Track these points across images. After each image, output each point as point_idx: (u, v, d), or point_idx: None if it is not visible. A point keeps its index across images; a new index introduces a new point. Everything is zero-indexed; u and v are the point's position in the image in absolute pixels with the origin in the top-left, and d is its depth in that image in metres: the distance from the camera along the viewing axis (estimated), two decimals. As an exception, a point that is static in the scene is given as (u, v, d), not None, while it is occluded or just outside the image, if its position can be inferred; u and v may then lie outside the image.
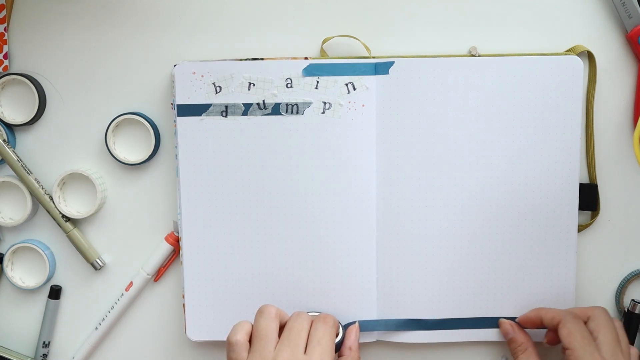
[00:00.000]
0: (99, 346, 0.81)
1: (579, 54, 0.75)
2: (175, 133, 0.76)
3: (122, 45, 0.78)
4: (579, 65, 0.74)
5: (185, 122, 0.75)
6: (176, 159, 0.76)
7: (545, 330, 0.75)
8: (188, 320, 0.77)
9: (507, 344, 0.76)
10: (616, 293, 0.78)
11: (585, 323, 0.71)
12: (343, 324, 0.75)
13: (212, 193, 0.76)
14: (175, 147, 0.76)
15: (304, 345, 0.67)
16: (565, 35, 0.76)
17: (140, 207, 0.79)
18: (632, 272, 0.78)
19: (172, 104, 0.77)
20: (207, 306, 0.77)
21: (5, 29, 0.78)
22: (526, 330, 0.76)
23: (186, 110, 0.75)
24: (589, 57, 0.76)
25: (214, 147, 0.75)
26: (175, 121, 0.75)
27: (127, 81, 0.78)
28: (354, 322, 0.76)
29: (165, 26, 0.77)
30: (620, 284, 0.78)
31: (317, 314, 0.74)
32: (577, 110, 0.74)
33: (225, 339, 0.69)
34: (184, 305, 0.77)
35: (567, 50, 0.76)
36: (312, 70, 0.74)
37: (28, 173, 0.78)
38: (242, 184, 0.76)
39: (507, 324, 0.76)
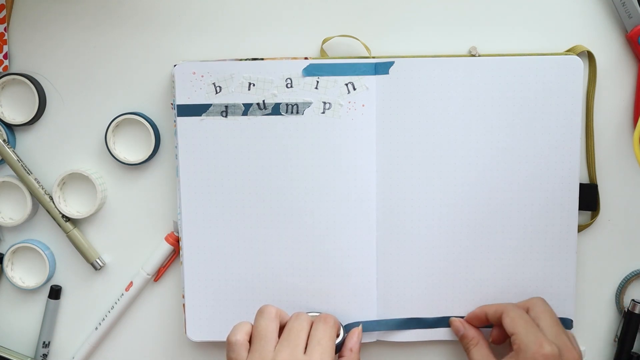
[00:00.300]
0: (99, 346, 0.81)
1: (579, 54, 0.75)
2: (175, 133, 0.76)
3: (122, 45, 0.78)
4: (579, 65, 0.74)
5: (186, 122, 0.75)
6: (176, 159, 0.76)
7: (489, 333, 0.76)
8: (188, 321, 0.77)
9: (460, 341, 0.76)
10: (616, 293, 0.78)
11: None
12: (344, 324, 0.75)
13: (212, 193, 0.76)
14: (175, 147, 0.76)
15: (304, 346, 0.67)
16: (565, 35, 0.76)
17: (140, 207, 0.79)
18: (632, 272, 0.78)
19: (172, 104, 0.77)
20: (207, 306, 0.77)
21: (5, 29, 0.78)
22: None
23: (186, 110, 0.75)
24: (589, 57, 0.76)
25: (214, 147, 0.75)
26: (175, 121, 0.75)
27: (127, 81, 0.78)
28: (357, 324, 0.76)
29: (165, 26, 0.77)
30: (620, 284, 0.78)
31: (317, 314, 0.74)
32: (577, 110, 0.74)
33: (225, 339, 0.69)
34: (184, 305, 0.77)
35: (567, 50, 0.76)
36: (312, 70, 0.74)
37: (28, 173, 0.78)
38: (242, 184, 0.76)
39: (457, 322, 0.76)
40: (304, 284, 0.76)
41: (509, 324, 0.71)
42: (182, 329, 0.80)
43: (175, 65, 0.75)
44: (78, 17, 0.78)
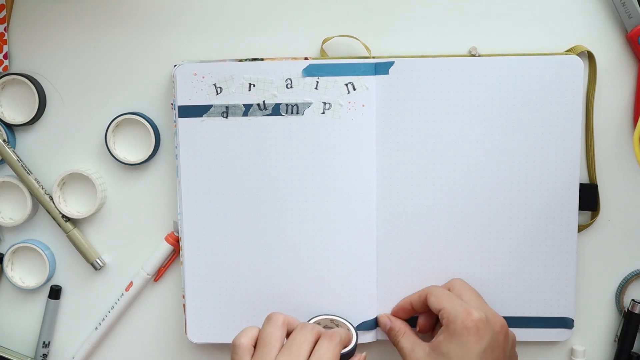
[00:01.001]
0: (99, 346, 0.81)
1: (579, 54, 0.75)
2: (176, 134, 0.75)
3: (122, 45, 0.78)
4: (579, 65, 0.74)
5: (186, 123, 0.75)
6: (177, 159, 0.76)
7: (416, 323, 0.77)
8: (189, 322, 0.77)
9: (387, 335, 0.76)
10: (616, 293, 0.78)
11: None
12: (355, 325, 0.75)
13: (212, 194, 0.76)
14: (176, 147, 0.76)
15: (305, 358, 0.66)
16: (565, 36, 0.76)
17: (140, 207, 0.79)
18: (632, 272, 0.78)
19: (172, 104, 0.77)
20: (208, 308, 0.77)
21: (5, 29, 0.78)
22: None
23: (187, 111, 0.75)
24: (589, 57, 0.76)
25: (215, 148, 0.75)
26: (175, 122, 0.75)
27: (127, 81, 0.78)
28: (368, 324, 0.76)
29: (165, 26, 0.77)
30: (620, 284, 0.78)
31: (334, 317, 0.74)
32: (577, 110, 0.74)
33: (225, 341, 0.69)
34: (184, 305, 0.77)
35: (567, 50, 0.76)
36: (312, 71, 0.74)
37: (28, 173, 0.78)
38: (243, 184, 0.76)
39: (384, 316, 0.77)
40: (305, 284, 0.76)
41: (435, 301, 0.72)
42: (182, 330, 0.80)
43: (175, 66, 0.75)
44: (78, 17, 0.78)
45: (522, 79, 0.74)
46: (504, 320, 0.71)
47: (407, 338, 0.74)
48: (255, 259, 0.76)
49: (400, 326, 0.76)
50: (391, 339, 0.76)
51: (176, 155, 0.76)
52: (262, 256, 0.76)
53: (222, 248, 0.76)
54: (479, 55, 0.75)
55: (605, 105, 0.77)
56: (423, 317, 0.76)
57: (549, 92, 0.74)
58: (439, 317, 0.71)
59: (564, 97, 0.74)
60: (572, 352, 0.78)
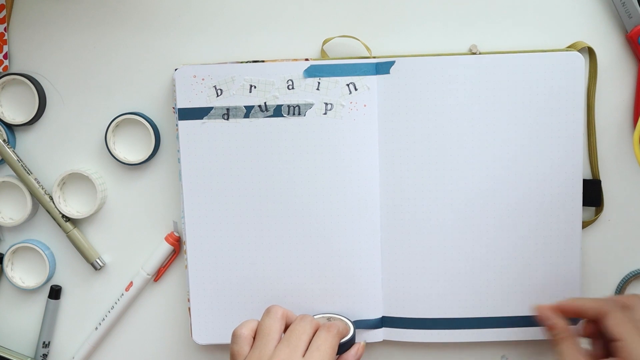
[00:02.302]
0: (99, 346, 0.81)
1: (580, 50, 0.75)
2: (177, 137, 0.75)
3: (122, 45, 0.78)
4: (580, 61, 0.74)
5: (187, 126, 0.75)
6: (178, 162, 0.76)
7: (580, 326, 0.73)
8: (194, 324, 0.77)
9: (546, 328, 0.73)
10: (616, 293, 0.78)
11: None
12: (353, 320, 0.75)
13: (215, 196, 0.76)
14: (178, 151, 0.76)
15: (304, 348, 0.66)
16: (565, 36, 0.76)
17: (140, 207, 0.79)
18: (632, 272, 0.78)
19: (173, 108, 0.77)
20: (213, 309, 0.77)
21: (5, 29, 0.78)
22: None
23: (188, 113, 0.75)
24: (590, 53, 0.76)
25: (216, 150, 0.75)
26: (177, 125, 0.75)
27: (127, 81, 0.78)
28: (366, 322, 0.76)
29: (165, 26, 0.77)
30: (620, 284, 0.78)
31: (328, 315, 0.75)
32: (579, 106, 0.74)
33: (229, 341, 0.69)
34: (189, 308, 0.77)
35: (568, 47, 0.76)
36: (313, 72, 0.74)
37: (28, 173, 0.78)
38: (245, 186, 0.76)
39: (546, 309, 0.73)
40: (310, 285, 0.76)
41: (614, 328, 0.67)
42: (183, 329, 0.80)
43: (176, 69, 0.75)
44: (78, 17, 0.78)
45: (524, 75, 0.74)
46: None
47: (570, 347, 0.70)
48: (260, 261, 0.76)
49: (565, 329, 0.71)
50: (549, 335, 0.72)
51: (178, 159, 0.76)
52: (266, 257, 0.76)
53: (226, 250, 0.76)
54: (480, 53, 0.75)
55: (606, 105, 0.77)
56: (591, 325, 0.72)
57: (551, 88, 0.74)
58: (615, 346, 0.66)
59: (565, 92, 0.74)
60: (572, 352, 0.79)
